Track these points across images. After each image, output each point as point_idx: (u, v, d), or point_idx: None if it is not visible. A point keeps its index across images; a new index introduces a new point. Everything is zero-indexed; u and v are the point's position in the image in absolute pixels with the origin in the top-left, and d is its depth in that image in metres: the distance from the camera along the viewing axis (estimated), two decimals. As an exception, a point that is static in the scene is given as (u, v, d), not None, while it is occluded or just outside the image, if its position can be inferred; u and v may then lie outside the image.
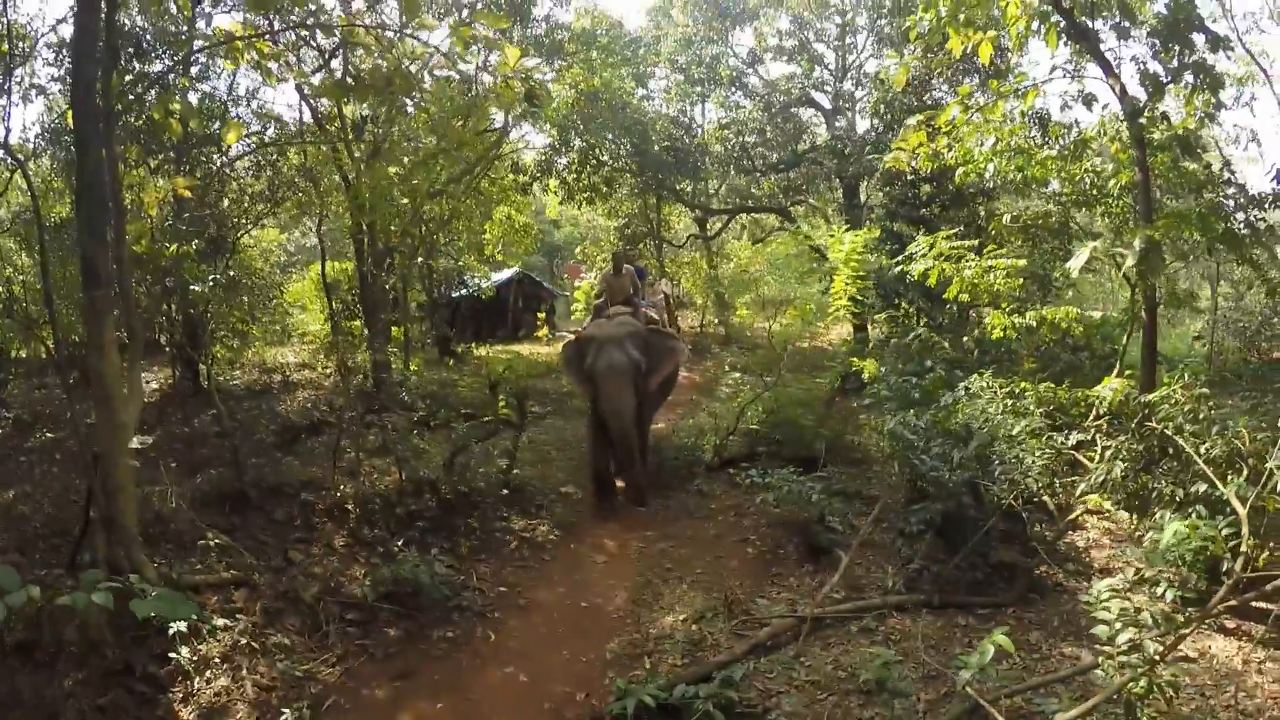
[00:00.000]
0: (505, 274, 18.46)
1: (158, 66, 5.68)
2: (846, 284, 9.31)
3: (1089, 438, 6.17)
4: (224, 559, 5.68)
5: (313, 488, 7.25)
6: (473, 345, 15.89)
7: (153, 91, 5.26)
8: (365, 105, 8.00)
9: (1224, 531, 4.23)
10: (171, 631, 4.39)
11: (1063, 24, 6.13)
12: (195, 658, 4.49)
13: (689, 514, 7.64)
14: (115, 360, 4.75)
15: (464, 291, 16.71)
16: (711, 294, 15.48)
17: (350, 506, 6.96)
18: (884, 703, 3.80)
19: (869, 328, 13.67)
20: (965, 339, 9.60)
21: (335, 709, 4.46)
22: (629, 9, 51.80)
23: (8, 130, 8.84)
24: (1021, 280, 7.60)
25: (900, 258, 8.07)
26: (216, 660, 4.57)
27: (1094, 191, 7.04)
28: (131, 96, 5.16)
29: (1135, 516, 5.52)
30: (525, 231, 17.33)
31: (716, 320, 18.08)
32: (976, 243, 7.73)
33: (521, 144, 15.39)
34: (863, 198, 14.64)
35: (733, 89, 15.52)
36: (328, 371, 11.65)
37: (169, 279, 7.01)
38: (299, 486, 7.21)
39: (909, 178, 10.43)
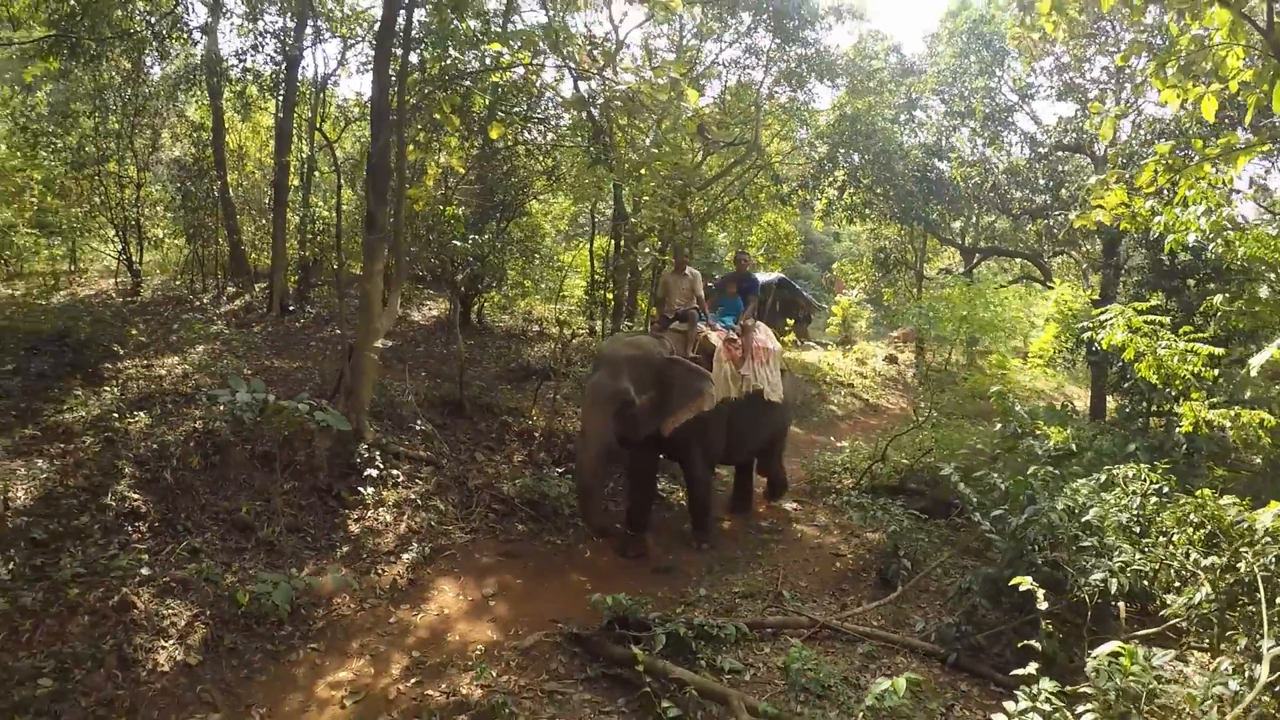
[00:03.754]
0: (766, 276, 19.49)
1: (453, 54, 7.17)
2: (1048, 342, 9.12)
3: (1226, 562, 5.76)
4: (426, 443, 7.75)
5: (515, 414, 9.20)
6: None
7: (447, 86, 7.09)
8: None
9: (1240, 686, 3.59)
10: (366, 474, 6.42)
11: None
12: (377, 498, 6.50)
13: (809, 521, 8.36)
14: (379, 285, 6.89)
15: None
16: (962, 331, 15.34)
17: (537, 434, 8.79)
18: (785, 689, 4.44)
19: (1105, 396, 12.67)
20: (1177, 430, 8.79)
21: (447, 556, 6.21)
22: (909, 34, 50.54)
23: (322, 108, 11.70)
24: (1216, 372, 6.86)
25: (1088, 322, 7.72)
26: (390, 504, 6.55)
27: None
28: (427, 90, 7.08)
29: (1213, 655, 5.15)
30: (789, 239, 18.27)
31: (964, 358, 17.65)
32: (1169, 321, 7.10)
33: (782, 156, 16.17)
34: (1122, 257, 13.38)
35: (990, 124, 14.74)
36: (580, 330, 13.80)
37: (435, 233, 9.24)
38: (505, 410, 9.21)
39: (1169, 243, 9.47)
